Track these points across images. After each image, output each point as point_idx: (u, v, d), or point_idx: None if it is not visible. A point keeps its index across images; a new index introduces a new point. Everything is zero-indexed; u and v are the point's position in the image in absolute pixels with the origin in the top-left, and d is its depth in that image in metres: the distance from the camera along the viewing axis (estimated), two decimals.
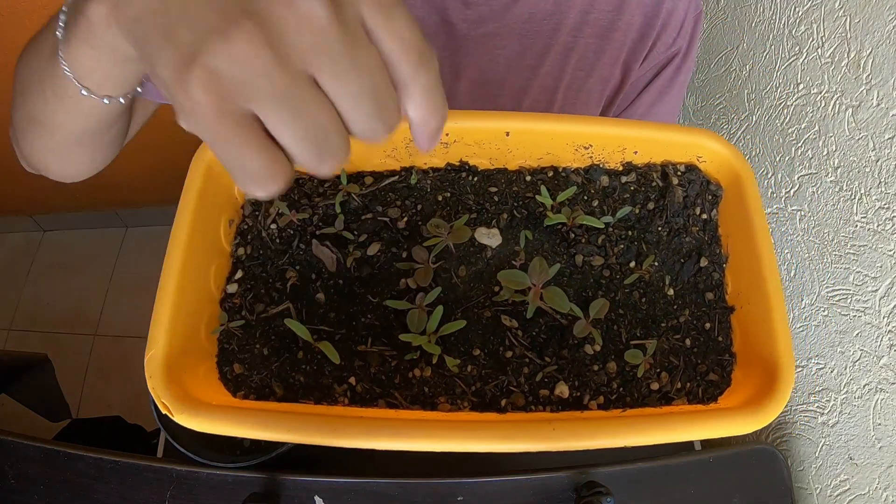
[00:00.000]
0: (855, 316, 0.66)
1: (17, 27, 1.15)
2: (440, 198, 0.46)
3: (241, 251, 0.45)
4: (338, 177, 0.46)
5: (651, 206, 0.46)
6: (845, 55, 0.65)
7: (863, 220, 0.64)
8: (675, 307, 0.44)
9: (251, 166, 0.22)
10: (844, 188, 0.66)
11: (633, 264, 0.45)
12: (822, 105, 0.69)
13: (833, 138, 0.68)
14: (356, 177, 0.47)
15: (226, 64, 0.21)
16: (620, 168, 0.47)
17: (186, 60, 0.21)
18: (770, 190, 0.79)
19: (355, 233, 0.45)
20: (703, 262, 0.45)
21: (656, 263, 0.45)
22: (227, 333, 0.42)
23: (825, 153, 0.69)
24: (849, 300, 0.67)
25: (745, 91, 0.83)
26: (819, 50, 0.69)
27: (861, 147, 0.64)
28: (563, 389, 0.40)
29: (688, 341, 0.43)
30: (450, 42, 0.61)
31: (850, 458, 0.68)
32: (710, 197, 0.47)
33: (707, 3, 0.89)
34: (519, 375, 0.40)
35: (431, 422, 0.36)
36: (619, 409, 0.40)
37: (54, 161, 0.49)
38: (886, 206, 0.61)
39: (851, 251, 0.66)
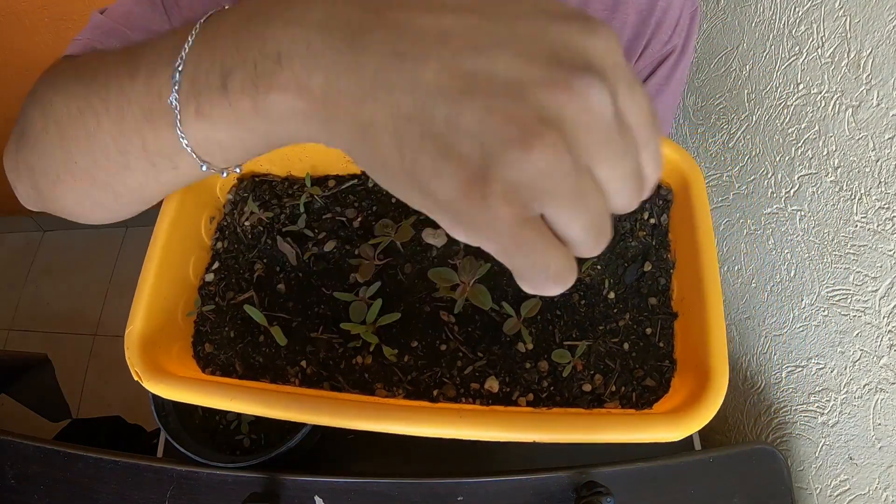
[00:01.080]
0: (855, 316, 0.66)
1: (15, 27, 1.15)
2: (394, 200, 0.50)
3: (219, 245, 0.50)
4: (304, 179, 0.52)
5: None
6: (845, 55, 0.65)
7: (863, 220, 0.64)
8: (616, 311, 0.44)
9: (555, 266, 0.22)
10: (844, 188, 0.66)
11: None
12: (822, 105, 0.69)
13: (833, 138, 0.68)
14: (321, 180, 0.52)
15: (529, 175, 0.20)
16: None
17: (479, 175, 0.20)
18: (770, 190, 0.79)
19: (315, 231, 0.49)
20: (647, 267, 0.46)
21: (598, 267, 0.46)
22: (202, 317, 0.47)
23: (825, 153, 0.69)
24: (849, 300, 0.67)
25: (745, 91, 0.83)
26: (819, 50, 0.69)
27: (861, 147, 0.64)
28: (492, 384, 0.41)
29: (626, 345, 0.43)
30: None
31: (850, 458, 0.68)
32: (659, 202, 0.47)
33: (707, 3, 0.89)
34: (452, 368, 0.43)
35: (367, 404, 0.38)
36: (548, 406, 0.41)
37: (93, 213, 0.42)
38: (886, 206, 0.61)
39: (851, 251, 0.66)
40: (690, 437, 0.81)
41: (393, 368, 0.43)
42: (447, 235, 0.45)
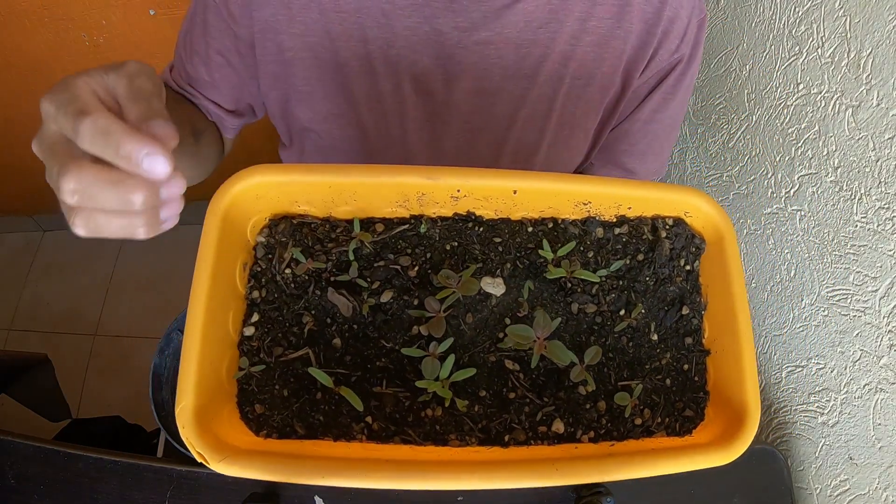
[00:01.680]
0: (855, 316, 0.66)
1: (15, 27, 1.15)
2: (448, 247, 0.49)
3: (255, 294, 0.46)
4: (349, 222, 0.49)
5: (641, 257, 0.50)
6: (845, 55, 0.65)
7: (863, 220, 0.64)
8: (658, 350, 0.48)
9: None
10: (844, 188, 0.66)
11: (622, 312, 0.48)
12: (822, 105, 0.69)
13: (833, 138, 0.68)
14: (367, 223, 0.49)
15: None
16: (614, 220, 0.51)
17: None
18: (770, 190, 0.79)
19: (368, 280, 0.47)
20: (685, 311, 0.49)
21: (643, 311, 0.49)
22: (246, 375, 0.44)
23: (825, 153, 0.69)
24: (849, 300, 0.67)
25: (745, 91, 0.83)
26: (819, 50, 0.69)
27: (861, 147, 0.64)
28: (558, 426, 0.44)
29: (668, 381, 0.48)
30: (442, 51, 0.60)
31: (850, 458, 0.68)
32: (693, 249, 0.51)
33: (707, 3, 0.89)
34: (520, 414, 0.45)
35: (446, 463, 0.40)
36: (607, 441, 0.45)
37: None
38: (886, 206, 0.61)
39: (851, 251, 0.66)
40: None
41: (464, 418, 0.44)
42: (505, 284, 0.47)
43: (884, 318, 0.62)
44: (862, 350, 0.65)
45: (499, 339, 0.46)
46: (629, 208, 0.50)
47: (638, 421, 0.46)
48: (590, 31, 0.61)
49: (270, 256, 0.47)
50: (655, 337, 0.49)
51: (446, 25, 0.59)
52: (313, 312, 0.46)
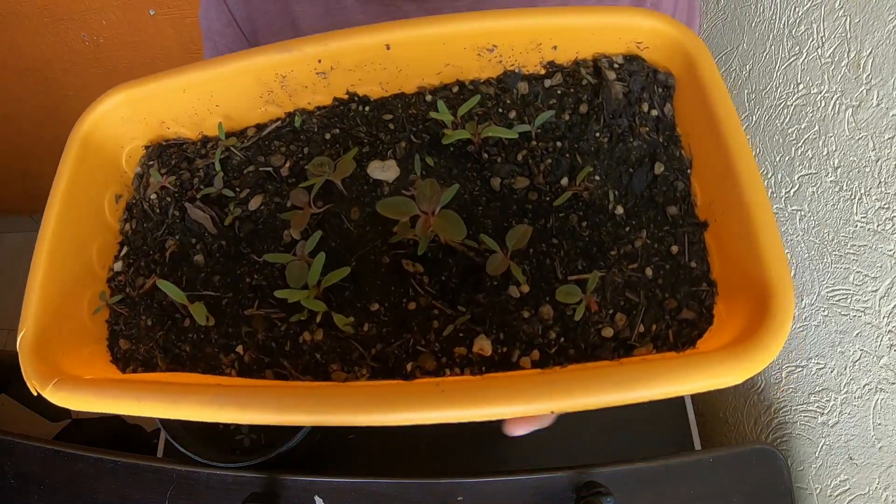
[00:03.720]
0: (855, 316, 0.66)
1: (15, 27, 1.15)
2: (328, 136, 0.41)
3: (127, 227, 0.43)
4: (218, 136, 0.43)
5: (584, 108, 0.38)
6: (845, 55, 0.65)
7: (863, 220, 0.64)
8: (628, 229, 0.35)
9: None
10: (844, 188, 0.66)
11: (565, 181, 0.36)
12: (822, 105, 0.69)
13: (833, 138, 0.68)
14: (240, 133, 0.44)
15: None
16: (542, 71, 0.39)
17: None
18: (770, 190, 0.79)
19: (237, 189, 0.41)
20: (659, 169, 0.36)
21: (597, 177, 0.36)
22: (114, 314, 0.40)
23: (825, 153, 0.69)
24: (849, 300, 0.67)
25: (745, 91, 0.83)
26: (819, 50, 0.69)
27: (861, 147, 0.64)
28: (483, 345, 0.32)
29: (649, 271, 0.34)
30: None
31: (850, 458, 0.68)
32: (659, 90, 0.38)
33: (707, 2, 0.89)
34: (427, 332, 0.33)
35: (308, 388, 0.32)
36: (561, 365, 0.32)
37: None
38: (886, 206, 0.61)
39: (851, 251, 0.66)
40: (690, 436, 0.81)
41: (350, 342, 0.34)
42: (399, 166, 0.38)
43: (884, 318, 0.62)
44: (862, 350, 0.65)
45: (392, 234, 0.36)
46: (554, 48, 0.38)
47: (608, 332, 0.32)
48: None
49: (141, 186, 0.44)
50: (620, 210, 0.36)
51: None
52: (177, 236, 0.41)
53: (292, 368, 0.34)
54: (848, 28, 0.64)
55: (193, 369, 0.36)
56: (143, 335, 0.38)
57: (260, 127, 0.43)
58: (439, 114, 0.37)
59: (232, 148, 0.42)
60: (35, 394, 0.33)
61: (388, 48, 0.37)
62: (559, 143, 0.38)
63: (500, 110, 0.39)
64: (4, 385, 0.99)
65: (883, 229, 0.62)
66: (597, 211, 0.36)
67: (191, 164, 0.43)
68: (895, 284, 0.61)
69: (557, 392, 0.27)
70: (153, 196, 0.42)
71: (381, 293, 0.35)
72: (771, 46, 0.77)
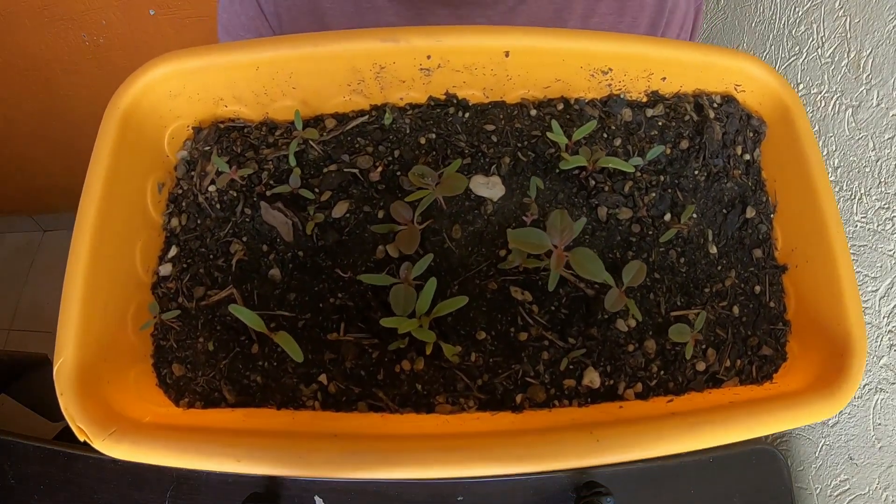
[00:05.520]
0: None
1: (15, 27, 1.15)
2: (423, 140, 0.37)
3: (174, 222, 0.36)
4: (291, 123, 0.37)
5: (685, 144, 0.38)
6: (845, 55, 0.65)
7: (863, 220, 0.64)
8: (720, 268, 0.36)
9: None
10: (844, 188, 0.66)
11: (668, 217, 0.36)
12: (822, 105, 0.69)
13: (833, 138, 0.68)
14: (315, 121, 0.38)
15: None
16: (645, 99, 0.39)
17: None
18: None
19: (316, 190, 0.36)
20: (750, 213, 0.37)
21: (694, 215, 0.36)
22: (163, 328, 0.34)
23: (825, 153, 0.69)
24: None
25: None
26: (819, 50, 0.69)
27: (861, 147, 0.64)
28: (592, 377, 0.32)
29: (735, 309, 0.35)
30: None
31: (850, 458, 0.68)
32: (751, 134, 0.38)
33: (707, 3, 0.89)
34: (537, 363, 0.32)
35: (429, 438, 0.28)
36: (661, 395, 0.33)
37: None
38: (886, 206, 0.61)
39: (851, 251, 0.66)
40: None
41: (455, 372, 0.31)
42: (504, 184, 0.34)
43: (884, 318, 0.62)
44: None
45: (500, 259, 0.33)
46: (663, 79, 0.38)
47: (700, 366, 0.33)
48: (593, 28, 0.61)
49: (192, 173, 0.36)
50: (714, 250, 0.36)
51: None
52: (245, 239, 0.35)
53: (389, 400, 0.31)
54: (848, 28, 0.64)
55: (266, 402, 0.31)
56: (201, 361, 0.32)
57: (340, 119, 0.37)
58: (554, 134, 0.35)
59: (310, 140, 0.36)
60: (83, 441, 0.27)
61: (507, 55, 0.35)
62: (662, 178, 0.37)
63: (605, 135, 0.39)
64: (4, 385, 0.99)
65: (883, 229, 0.62)
66: (694, 248, 0.36)
67: (257, 154, 0.36)
68: (895, 284, 0.61)
69: (696, 434, 0.28)
70: (211, 188, 0.35)
71: (487, 321, 0.33)
72: (771, 46, 0.77)
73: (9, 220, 1.85)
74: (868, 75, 0.62)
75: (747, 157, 0.38)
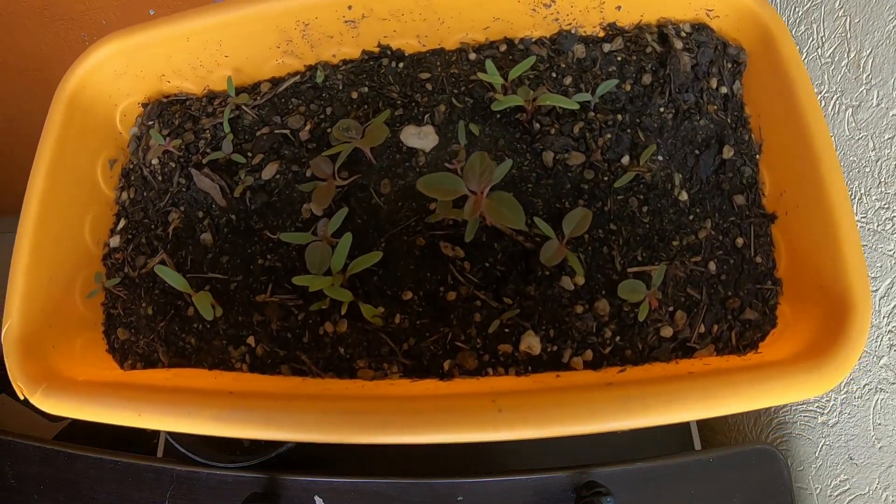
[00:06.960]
0: None
1: (15, 27, 1.15)
2: (355, 95, 0.36)
3: (124, 196, 0.37)
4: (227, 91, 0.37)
5: (647, 79, 0.35)
6: (845, 55, 0.65)
7: (863, 220, 0.64)
8: (692, 217, 0.32)
9: None
10: None
11: (626, 160, 0.33)
12: (822, 105, 0.69)
13: (833, 138, 0.68)
14: (253, 88, 0.38)
15: None
16: (601, 33, 0.36)
17: None
18: None
19: (249, 154, 0.35)
20: (728, 153, 0.34)
21: (660, 157, 0.33)
22: (111, 296, 0.35)
23: None
24: None
25: None
26: (819, 50, 0.69)
27: (861, 147, 0.64)
28: (531, 342, 0.29)
29: (712, 265, 0.31)
30: None
31: (850, 458, 0.68)
32: (729, 64, 0.35)
33: None
34: (468, 326, 0.30)
35: (346, 399, 0.26)
36: (616, 366, 0.29)
37: None
38: (886, 206, 0.61)
39: None
40: (690, 436, 0.81)
41: (380, 335, 0.29)
42: (438, 133, 0.32)
43: (884, 318, 0.62)
44: (862, 350, 0.65)
45: (430, 212, 0.31)
46: (618, 8, 0.34)
47: (667, 332, 0.29)
48: None
49: (139, 149, 0.37)
50: (684, 196, 0.32)
51: None
52: (182, 207, 0.35)
53: (312, 364, 0.30)
54: (848, 28, 0.64)
55: (199, 364, 0.32)
56: (143, 325, 0.34)
57: (275, 82, 0.38)
58: (487, 75, 0.33)
59: (243, 106, 0.37)
60: (21, 398, 0.29)
61: None
62: (620, 117, 0.34)
63: (554, 75, 0.35)
64: (4, 385, 0.99)
65: (883, 229, 0.62)
66: (659, 195, 0.32)
67: (196, 124, 0.38)
68: (895, 284, 0.61)
69: (633, 409, 0.23)
70: (154, 161, 0.37)
71: (414, 280, 0.31)
72: None
73: (9, 221, 1.85)
74: (868, 75, 0.62)
75: (724, 90, 0.35)
